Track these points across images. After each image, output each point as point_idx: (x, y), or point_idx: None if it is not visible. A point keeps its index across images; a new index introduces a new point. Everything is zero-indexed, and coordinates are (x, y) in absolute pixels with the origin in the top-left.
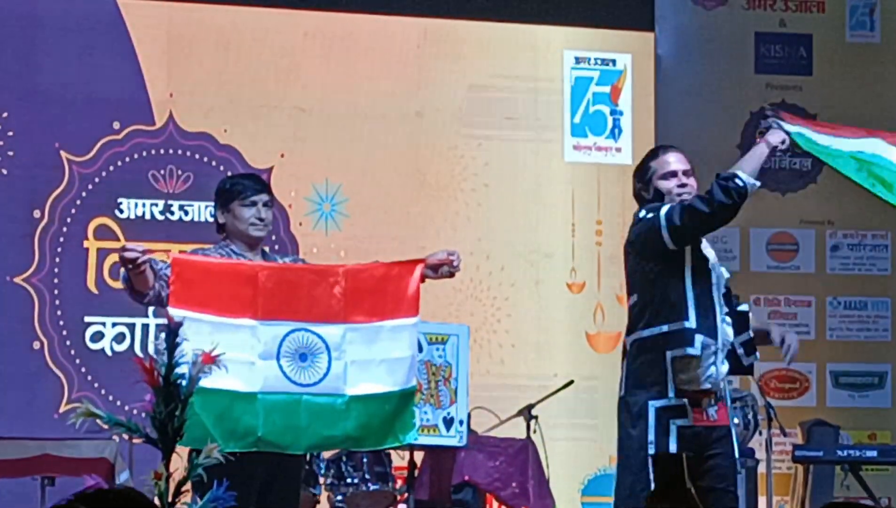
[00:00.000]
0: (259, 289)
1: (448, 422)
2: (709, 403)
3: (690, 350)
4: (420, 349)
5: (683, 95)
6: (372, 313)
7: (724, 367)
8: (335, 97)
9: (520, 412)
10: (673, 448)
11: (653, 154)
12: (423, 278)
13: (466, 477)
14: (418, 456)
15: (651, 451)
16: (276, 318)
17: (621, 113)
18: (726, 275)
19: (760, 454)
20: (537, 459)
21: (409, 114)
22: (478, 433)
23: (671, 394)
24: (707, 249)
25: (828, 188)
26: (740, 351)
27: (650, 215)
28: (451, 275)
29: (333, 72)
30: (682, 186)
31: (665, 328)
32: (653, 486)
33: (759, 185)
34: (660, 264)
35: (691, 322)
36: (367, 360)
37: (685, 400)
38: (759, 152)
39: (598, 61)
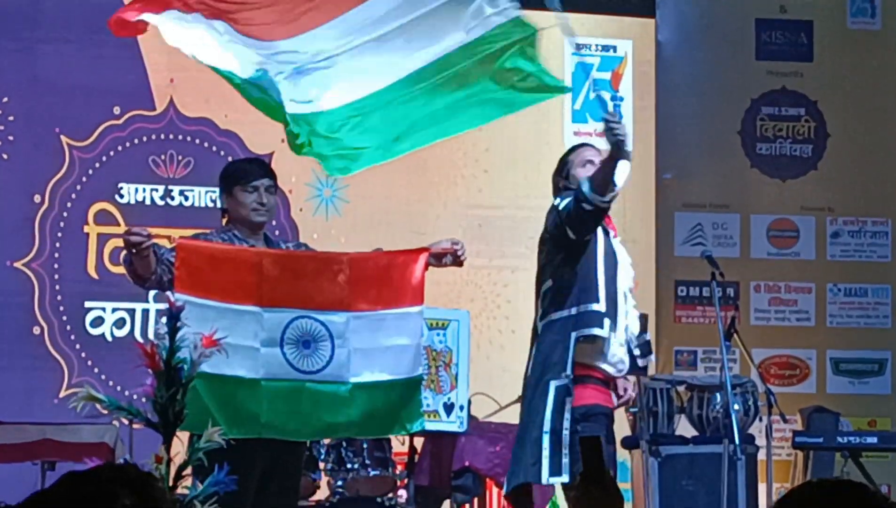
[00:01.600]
0: (263, 276)
1: (448, 408)
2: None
3: (598, 331)
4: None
5: (684, 81)
6: (376, 301)
7: (622, 353)
8: None
9: (520, 398)
10: (567, 425)
11: (569, 151)
12: (427, 267)
13: (467, 463)
14: (418, 442)
15: (546, 429)
16: (280, 305)
17: (622, 99)
18: (631, 272)
19: (760, 440)
20: None
21: None
22: (478, 419)
23: (570, 373)
24: (618, 244)
25: (828, 175)
26: (636, 352)
27: (558, 206)
28: (458, 264)
29: None
30: None
31: (574, 310)
32: (563, 464)
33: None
34: (571, 251)
35: (601, 305)
36: (371, 348)
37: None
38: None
39: (599, 48)
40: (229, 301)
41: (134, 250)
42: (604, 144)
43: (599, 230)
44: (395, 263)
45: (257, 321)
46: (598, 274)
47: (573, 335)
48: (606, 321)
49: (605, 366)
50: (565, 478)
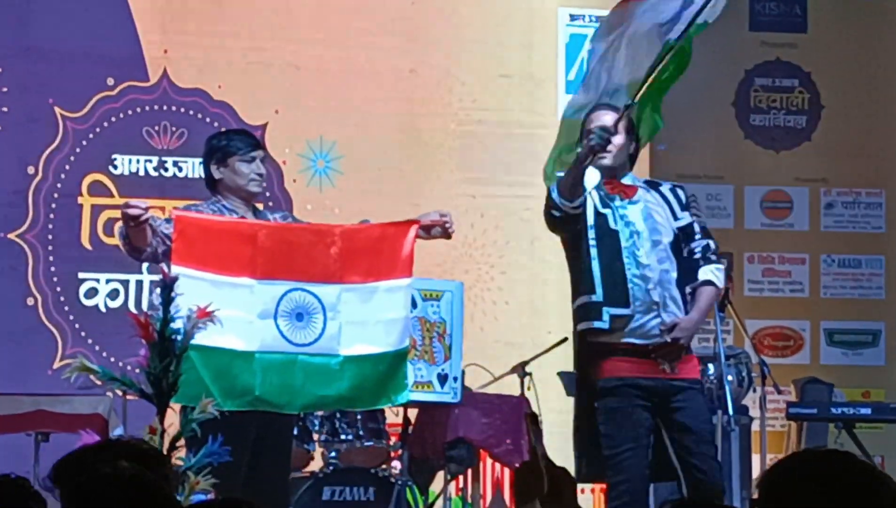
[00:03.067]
0: (258, 248)
1: (442, 378)
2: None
3: (597, 324)
4: (414, 306)
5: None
6: (367, 273)
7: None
8: (329, 54)
9: (514, 370)
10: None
11: (590, 111)
12: (416, 238)
13: (460, 434)
14: (412, 413)
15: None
16: (275, 277)
17: None
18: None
19: (754, 411)
20: None
21: (404, 71)
22: (472, 390)
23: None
24: (634, 209)
25: (822, 146)
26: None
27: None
28: (447, 236)
29: (328, 29)
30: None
31: (576, 303)
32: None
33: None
34: (568, 243)
35: (598, 296)
36: (361, 320)
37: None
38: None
39: (593, 18)
40: (225, 274)
41: (132, 223)
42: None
43: (591, 215)
44: (386, 235)
45: (252, 293)
46: (591, 263)
47: (577, 328)
48: (606, 312)
49: (636, 342)
50: None
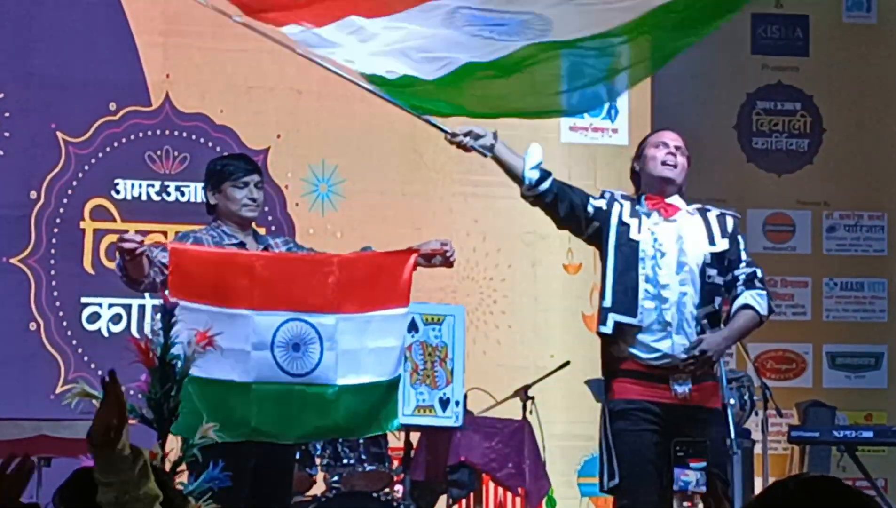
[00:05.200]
0: (255, 279)
1: (444, 403)
2: (676, 379)
3: (602, 329)
4: (416, 330)
5: (680, 75)
6: (364, 303)
7: (667, 343)
8: (331, 78)
9: (516, 393)
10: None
11: (652, 133)
12: (415, 268)
13: (462, 458)
14: (414, 437)
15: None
16: (272, 308)
17: None
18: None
19: (756, 435)
20: (533, 440)
21: None
22: (474, 414)
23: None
24: (661, 226)
25: (824, 169)
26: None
27: None
28: (448, 265)
29: None
30: (670, 154)
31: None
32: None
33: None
34: (596, 246)
35: (607, 302)
36: (357, 349)
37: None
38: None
39: None
40: (222, 305)
41: (127, 257)
42: (600, 139)
43: (613, 222)
44: (384, 264)
45: (249, 324)
46: (606, 269)
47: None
48: (611, 317)
49: (638, 356)
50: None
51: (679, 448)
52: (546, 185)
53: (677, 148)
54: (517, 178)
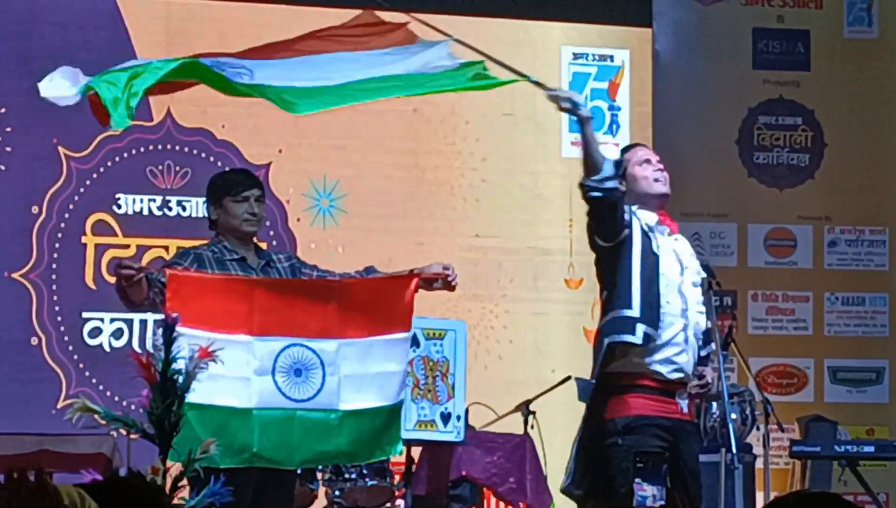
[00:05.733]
0: (255, 304)
1: (445, 417)
2: (680, 394)
3: (629, 338)
4: (417, 345)
5: (681, 90)
6: (366, 328)
7: (684, 357)
8: None
9: (517, 408)
10: (579, 434)
11: (623, 150)
12: (416, 291)
13: (464, 472)
14: (416, 452)
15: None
16: (272, 333)
17: (619, 109)
18: (696, 267)
19: (758, 449)
20: (535, 454)
21: (407, 109)
22: (475, 429)
23: (593, 379)
24: (670, 241)
25: (825, 184)
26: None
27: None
28: (450, 289)
29: None
30: (658, 170)
31: (609, 316)
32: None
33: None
34: (609, 259)
35: (634, 311)
36: (360, 374)
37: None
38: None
39: (596, 57)
40: (221, 331)
41: (124, 283)
42: (610, 155)
43: (637, 233)
44: (385, 289)
45: (249, 350)
46: (631, 279)
47: (605, 341)
48: (640, 327)
49: (658, 372)
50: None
51: (639, 460)
52: (616, 183)
53: (659, 162)
54: (593, 163)
